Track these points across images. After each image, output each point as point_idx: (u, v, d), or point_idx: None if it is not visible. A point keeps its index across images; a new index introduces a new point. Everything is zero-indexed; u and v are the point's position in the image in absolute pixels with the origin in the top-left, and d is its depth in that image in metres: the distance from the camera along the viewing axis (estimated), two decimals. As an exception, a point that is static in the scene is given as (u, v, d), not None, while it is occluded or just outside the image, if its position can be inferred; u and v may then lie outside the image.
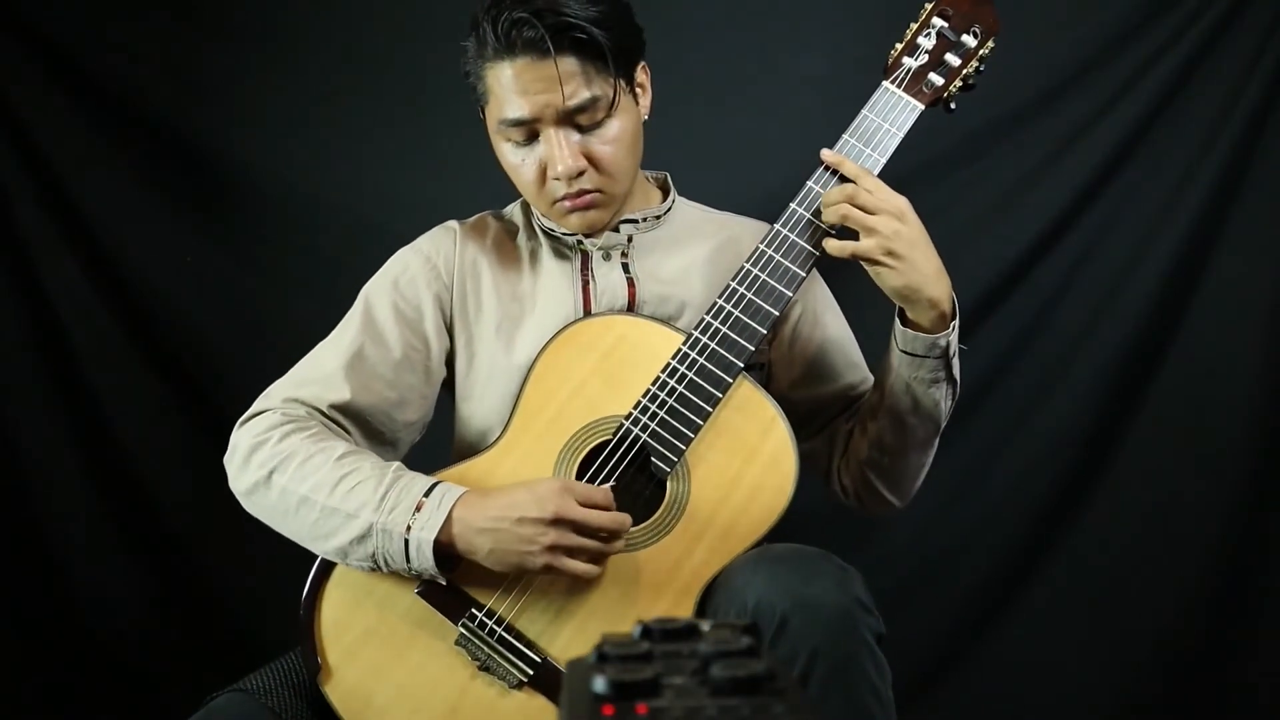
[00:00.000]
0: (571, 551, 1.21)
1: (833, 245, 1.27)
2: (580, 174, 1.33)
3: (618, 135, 1.34)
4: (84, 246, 1.99)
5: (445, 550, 1.22)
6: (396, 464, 1.28)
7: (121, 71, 2.01)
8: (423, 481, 1.25)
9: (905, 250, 1.24)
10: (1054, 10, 1.94)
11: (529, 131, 1.32)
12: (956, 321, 1.30)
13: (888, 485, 1.43)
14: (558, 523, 1.19)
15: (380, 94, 2.03)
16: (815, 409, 1.46)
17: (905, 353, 1.31)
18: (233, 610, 2.03)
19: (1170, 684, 1.96)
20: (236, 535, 2.00)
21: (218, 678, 1.32)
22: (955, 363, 1.32)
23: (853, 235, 1.27)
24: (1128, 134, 1.94)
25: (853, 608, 1.14)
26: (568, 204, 1.35)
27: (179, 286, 2.02)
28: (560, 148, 1.31)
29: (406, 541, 1.21)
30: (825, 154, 1.31)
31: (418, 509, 1.22)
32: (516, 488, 1.23)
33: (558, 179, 1.33)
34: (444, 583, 1.25)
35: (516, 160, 1.35)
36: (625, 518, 1.23)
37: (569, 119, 1.31)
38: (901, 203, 1.26)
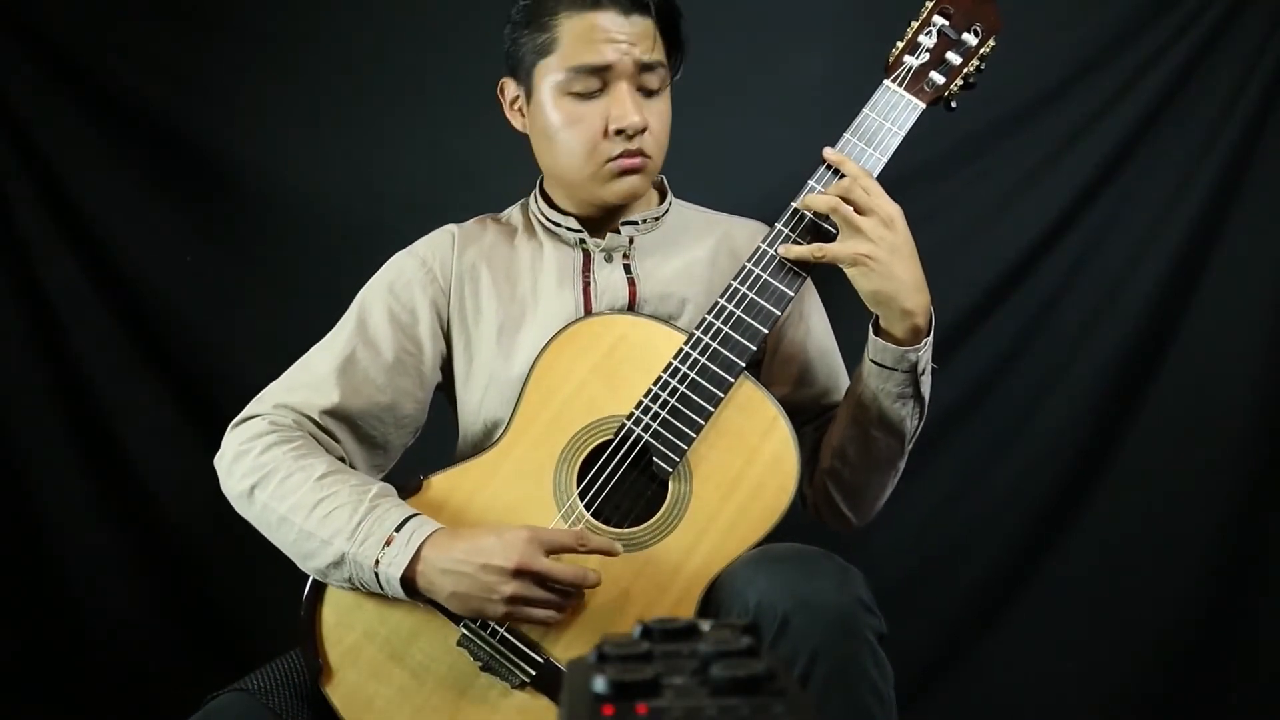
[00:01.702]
0: (532, 602, 1.20)
1: (795, 251, 1.27)
2: (643, 130, 1.35)
3: (665, 112, 1.39)
4: (84, 246, 1.99)
5: (412, 586, 1.22)
6: (376, 488, 1.27)
7: (121, 71, 2.01)
8: (397, 513, 1.24)
9: (884, 255, 1.23)
10: (1054, 10, 1.94)
11: (600, 82, 1.34)
12: (930, 339, 1.29)
13: (846, 500, 1.41)
14: (520, 574, 1.18)
15: (380, 94, 2.03)
16: (788, 412, 1.45)
17: (874, 362, 1.30)
18: (233, 610, 2.03)
19: (1170, 683, 1.96)
20: (236, 535, 2.01)
21: (218, 678, 1.32)
22: (924, 381, 1.31)
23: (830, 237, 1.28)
24: (1128, 134, 1.94)
25: (854, 607, 1.14)
26: (623, 163, 1.36)
27: (179, 286, 2.02)
28: (627, 101, 1.34)
29: (377, 575, 1.22)
30: (828, 152, 1.31)
31: (387, 543, 1.21)
32: (486, 532, 1.22)
33: (622, 132, 1.34)
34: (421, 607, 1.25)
35: (579, 113, 1.35)
36: (589, 573, 1.21)
37: (637, 77, 1.34)
38: (893, 209, 1.25)
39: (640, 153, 1.36)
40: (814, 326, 1.49)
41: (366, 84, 2.04)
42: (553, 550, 1.20)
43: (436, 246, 1.46)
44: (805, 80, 1.96)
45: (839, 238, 1.26)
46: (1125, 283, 1.96)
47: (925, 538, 2.00)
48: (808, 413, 1.45)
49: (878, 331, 1.30)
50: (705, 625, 0.64)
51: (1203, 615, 1.95)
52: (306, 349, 1.43)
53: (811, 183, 1.30)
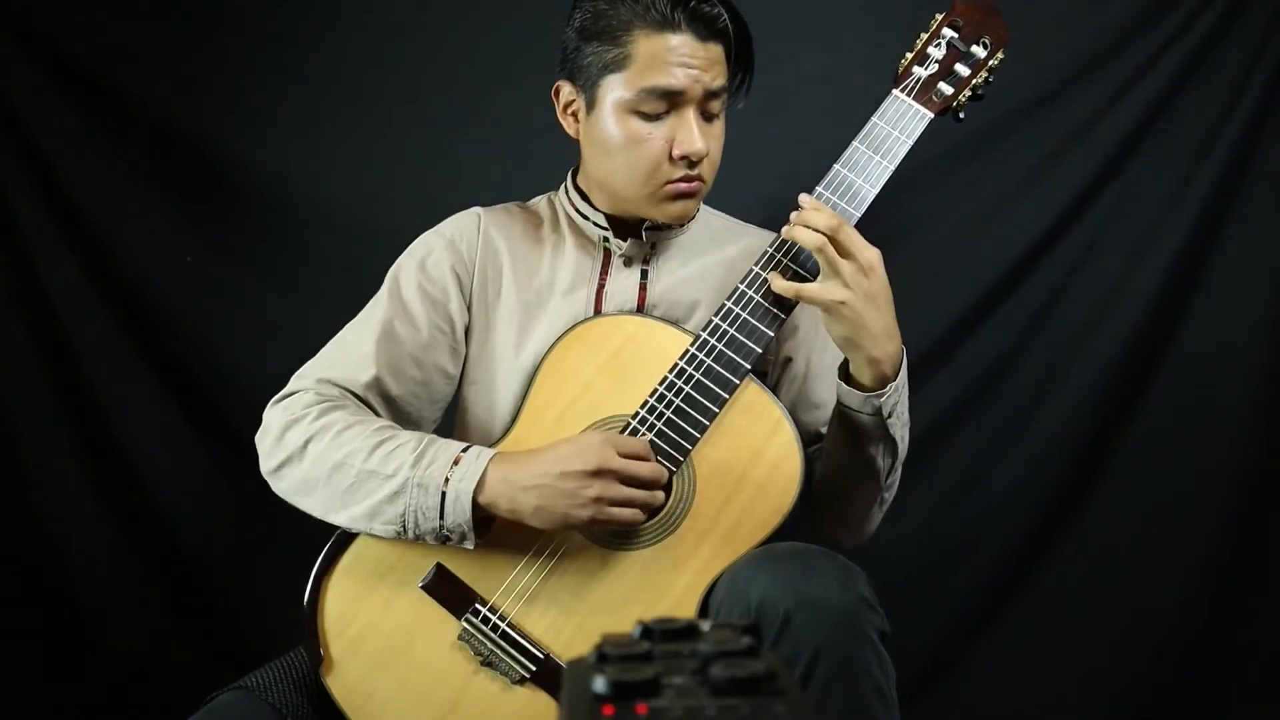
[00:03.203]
0: (616, 502, 1.21)
1: (780, 284, 1.27)
2: (703, 158, 1.35)
3: (722, 135, 1.39)
4: (84, 246, 1.99)
5: (484, 513, 1.23)
6: (431, 434, 1.31)
7: (121, 71, 2.01)
8: (459, 443, 1.28)
9: (858, 303, 1.23)
10: (1054, 10, 1.94)
11: (668, 105, 1.33)
12: (897, 383, 1.28)
13: (834, 520, 1.43)
14: (601, 474, 1.20)
15: (381, 94, 2.03)
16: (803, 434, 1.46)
17: (842, 405, 1.31)
18: (233, 610, 2.03)
19: (1171, 683, 1.96)
20: (237, 535, 2.02)
21: (218, 677, 1.33)
22: (894, 424, 1.30)
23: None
24: (1127, 134, 1.94)
25: (857, 606, 1.14)
26: (682, 186, 1.36)
27: (179, 286, 2.02)
28: (694, 128, 1.34)
29: (443, 495, 1.22)
30: (804, 199, 1.29)
31: (455, 463, 1.24)
32: (557, 443, 1.24)
33: (685, 157, 1.34)
34: (471, 545, 1.25)
35: (644, 133, 1.34)
36: (663, 469, 1.23)
37: (703, 104, 1.34)
38: (873, 256, 1.24)
39: (699, 178, 1.37)
40: (828, 346, 1.46)
41: (366, 84, 2.03)
42: (624, 451, 1.22)
43: (463, 227, 1.47)
44: (806, 82, 1.95)
45: (820, 278, 1.25)
46: (1126, 282, 1.96)
47: (927, 536, 2.00)
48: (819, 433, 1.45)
49: (845, 376, 1.30)
50: (705, 625, 0.64)
51: (1203, 615, 1.95)
52: (306, 348, 1.43)
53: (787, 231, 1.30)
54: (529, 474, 1.22)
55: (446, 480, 1.22)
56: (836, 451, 1.35)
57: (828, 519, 1.42)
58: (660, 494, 1.24)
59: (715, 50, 1.34)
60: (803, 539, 1.26)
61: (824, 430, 1.42)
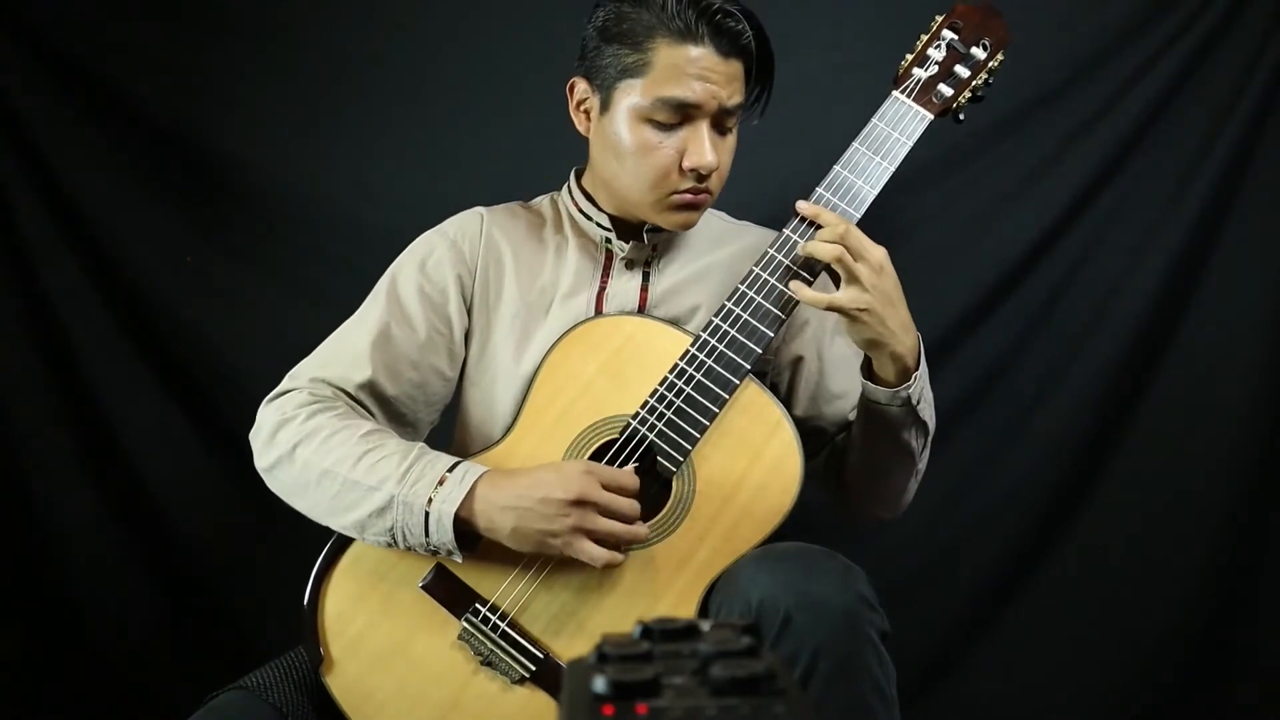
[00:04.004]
0: (593, 535, 1.21)
1: (807, 294, 1.27)
2: (713, 171, 1.35)
3: (733, 149, 1.39)
4: (84, 246, 1.99)
5: (465, 527, 1.23)
6: (421, 444, 1.30)
7: (121, 71, 2.01)
8: (447, 459, 1.27)
9: (878, 305, 1.24)
10: (1054, 10, 1.94)
11: (682, 116, 1.33)
12: (920, 372, 1.29)
13: (874, 502, 1.45)
14: (580, 504, 1.20)
15: (381, 93, 2.03)
16: (820, 428, 1.46)
17: (870, 401, 1.31)
18: (233, 610, 2.03)
19: (1171, 681, 1.96)
20: (237, 535, 2.02)
21: (218, 677, 1.32)
22: (922, 408, 1.32)
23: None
24: (1128, 134, 1.94)
25: (857, 605, 1.14)
26: (688, 197, 1.36)
27: (179, 287, 2.02)
28: (705, 141, 1.33)
29: (427, 514, 1.22)
30: (801, 206, 1.30)
31: (440, 483, 1.23)
32: (542, 468, 1.24)
33: (694, 169, 1.33)
34: (460, 560, 1.25)
35: (656, 141, 1.34)
36: (638, 505, 1.23)
37: (718, 119, 1.34)
38: (880, 253, 1.25)
39: (706, 190, 1.36)
40: (836, 340, 1.48)
41: (366, 84, 2.03)
42: (609, 484, 1.21)
43: (465, 227, 1.47)
44: (806, 82, 1.95)
45: (841, 286, 1.25)
46: (1126, 282, 1.96)
47: (927, 536, 2.00)
48: (840, 424, 1.46)
49: (869, 375, 1.31)
50: (705, 625, 0.64)
51: (1203, 615, 1.95)
52: (307, 347, 1.43)
53: (787, 232, 1.30)
54: (509, 494, 1.22)
55: (430, 500, 1.22)
56: (870, 442, 1.36)
57: (868, 502, 1.45)
58: (643, 529, 1.23)
59: (735, 66, 1.33)
60: (827, 526, 1.26)
61: (850, 418, 1.43)
